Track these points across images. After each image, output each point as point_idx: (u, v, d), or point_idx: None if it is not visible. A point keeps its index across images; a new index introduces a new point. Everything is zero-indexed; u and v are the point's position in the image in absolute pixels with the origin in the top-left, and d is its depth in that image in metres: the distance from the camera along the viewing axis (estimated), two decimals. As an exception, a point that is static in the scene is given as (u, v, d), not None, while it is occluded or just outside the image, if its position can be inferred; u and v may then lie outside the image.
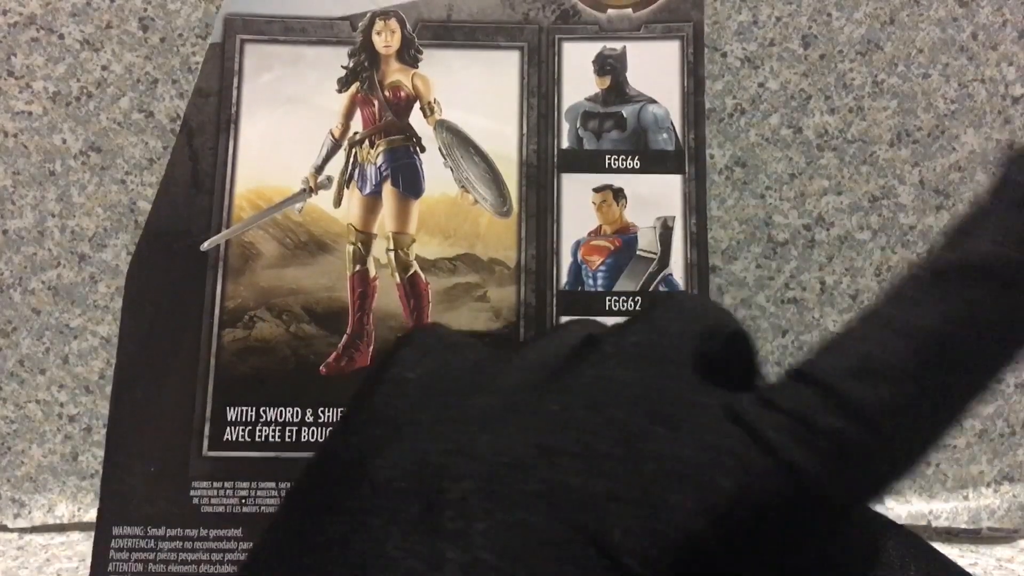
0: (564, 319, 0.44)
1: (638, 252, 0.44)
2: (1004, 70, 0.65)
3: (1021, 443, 0.66)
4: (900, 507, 0.65)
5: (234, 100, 0.44)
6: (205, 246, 0.44)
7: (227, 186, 0.44)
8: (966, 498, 0.66)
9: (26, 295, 0.64)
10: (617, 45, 0.44)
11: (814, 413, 0.22)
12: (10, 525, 0.65)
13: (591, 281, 0.44)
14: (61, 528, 0.65)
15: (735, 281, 0.65)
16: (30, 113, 0.64)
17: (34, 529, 0.65)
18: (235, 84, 0.44)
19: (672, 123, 0.44)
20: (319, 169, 0.45)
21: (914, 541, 0.34)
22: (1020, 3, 0.65)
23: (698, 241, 0.44)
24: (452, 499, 0.22)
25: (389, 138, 0.45)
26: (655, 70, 0.44)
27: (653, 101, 0.44)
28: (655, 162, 0.44)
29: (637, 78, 0.44)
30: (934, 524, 0.65)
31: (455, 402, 0.25)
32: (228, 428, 0.44)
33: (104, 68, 0.64)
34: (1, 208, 0.64)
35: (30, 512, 0.65)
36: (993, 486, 0.66)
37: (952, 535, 0.66)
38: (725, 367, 0.25)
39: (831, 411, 0.22)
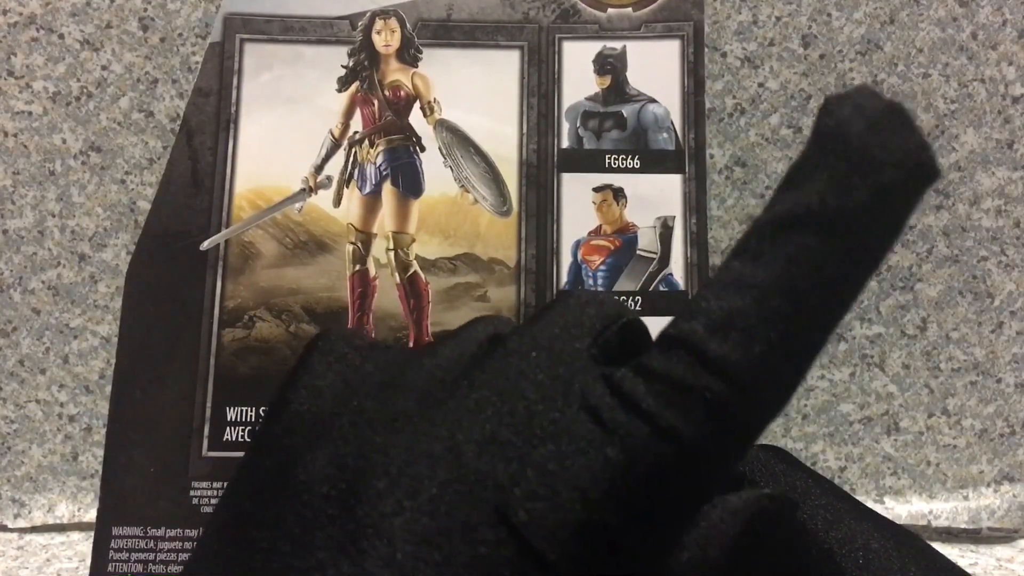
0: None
1: (638, 252, 0.44)
2: (1004, 70, 0.65)
3: (1021, 443, 0.66)
4: (900, 507, 0.65)
5: (234, 99, 0.44)
6: (205, 246, 0.44)
7: (227, 185, 0.44)
8: (966, 498, 0.66)
9: (26, 295, 0.64)
10: (617, 44, 0.44)
11: (683, 375, 0.22)
12: (10, 525, 0.64)
13: (591, 281, 0.44)
14: (61, 528, 0.64)
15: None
16: (30, 113, 0.64)
17: (34, 529, 0.65)
18: (235, 83, 0.44)
19: (672, 123, 0.44)
20: (319, 169, 0.44)
21: (914, 541, 0.35)
22: (1020, 3, 0.65)
23: (698, 241, 0.44)
24: (370, 497, 0.23)
25: (389, 138, 0.44)
26: (655, 69, 0.44)
27: (653, 100, 0.44)
28: (655, 162, 0.44)
29: (637, 77, 0.44)
30: (934, 524, 0.65)
31: (369, 405, 0.26)
32: (228, 428, 0.44)
33: (104, 68, 0.64)
34: (1, 208, 0.64)
35: (30, 512, 0.65)
36: (993, 486, 0.66)
37: (952, 535, 0.66)
38: (622, 353, 0.25)
39: (698, 371, 0.22)
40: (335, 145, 0.45)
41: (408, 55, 0.44)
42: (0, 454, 0.65)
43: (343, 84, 0.45)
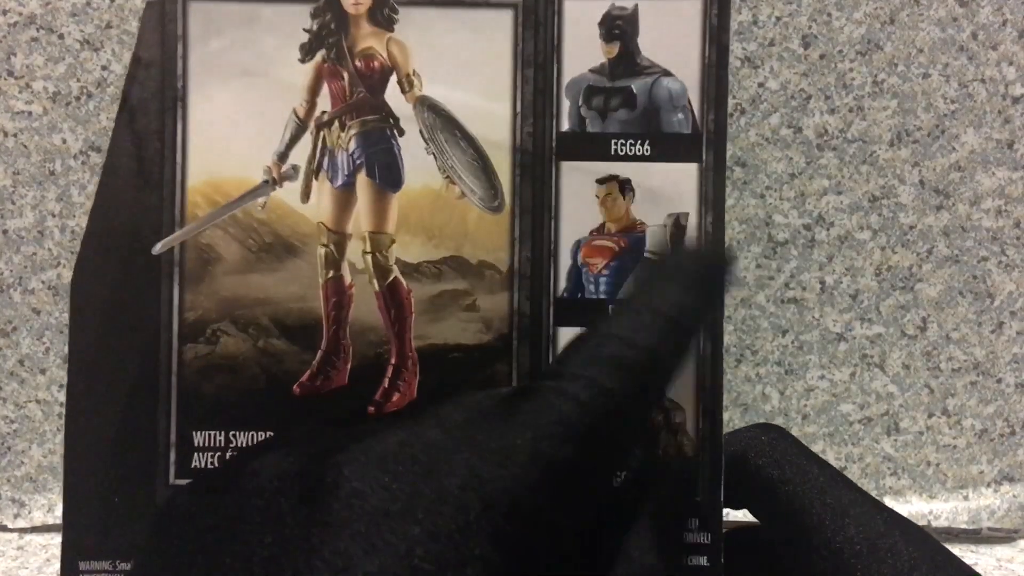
0: (562, 331, 0.29)
1: (646, 254, 0.30)
2: (1004, 70, 0.51)
3: (1021, 443, 0.52)
4: (900, 507, 0.51)
5: (180, 72, 0.29)
6: (157, 249, 0.30)
7: (178, 177, 0.29)
8: (966, 498, 0.52)
9: (26, 295, 0.50)
10: (628, 3, 0.29)
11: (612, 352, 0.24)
12: (10, 525, 0.51)
13: (593, 287, 0.30)
14: (61, 528, 0.51)
15: (735, 281, 0.51)
16: (30, 113, 0.50)
17: (34, 529, 0.51)
18: (180, 52, 0.29)
19: (689, 101, 0.29)
20: (283, 156, 0.29)
21: (924, 538, 0.29)
22: (1020, 3, 0.51)
23: (715, 242, 0.30)
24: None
25: (362, 119, 0.29)
26: (671, 34, 0.28)
27: (668, 74, 0.29)
28: (668, 148, 0.29)
29: (650, 45, 0.28)
30: (934, 524, 0.51)
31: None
32: (196, 454, 0.30)
33: (104, 68, 0.50)
34: (1, 208, 0.50)
35: (30, 512, 0.51)
36: (993, 486, 0.52)
37: (952, 535, 0.51)
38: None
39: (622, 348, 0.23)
40: (300, 127, 0.29)
41: (382, 16, 0.29)
42: (0, 454, 0.51)
43: (307, 53, 0.29)
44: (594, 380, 0.23)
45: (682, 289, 0.25)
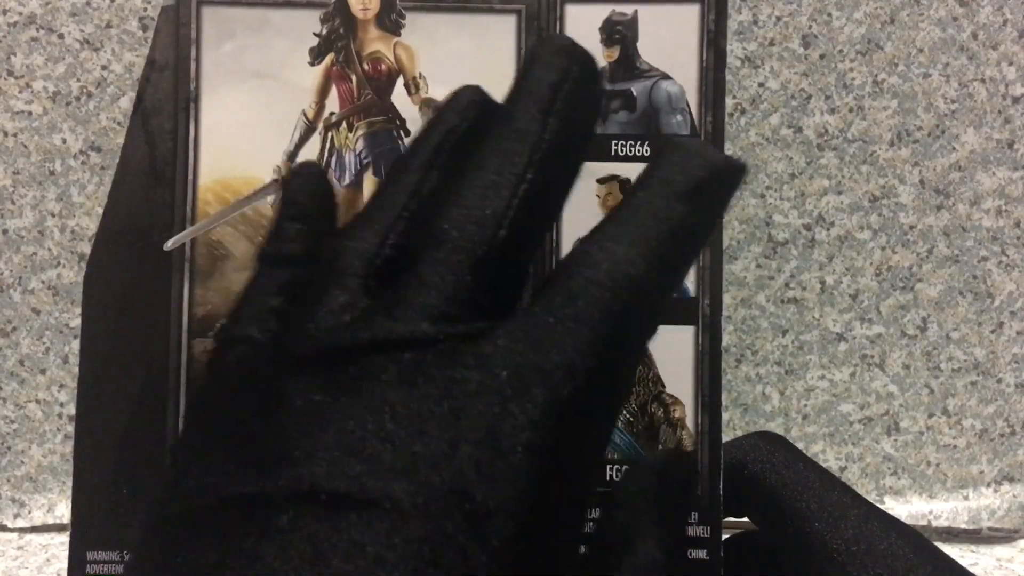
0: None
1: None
2: (1004, 70, 0.53)
3: (1021, 443, 0.54)
4: (900, 507, 0.53)
5: (193, 74, 0.31)
6: (168, 245, 0.32)
7: (190, 176, 0.32)
8: (966, 498, 0.54)
9: (26, 295, 0.52)
10: (628, 9, 0.31)
11: None
12: (10, 525, 0.53)
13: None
14: (61, 528, 0.53)
15: (735, 281, 0.53)
16: (30, 113, 0.52)
17: (34, 529, 0.53)
18: (193, 55, 0.31)
19: (687, 103, 0.31)
20: (292, 156, 0.32)
21: (921, 542, 0.30)
22: (1020, 3, 0.53)
23: (712, 241, 0.32)
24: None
25: (369, 120, 0.31)
26: (670, 40, 0.31)
27: (667, 77, 0.31)
28: None
29: (649, 49, 0.31)
30: (934, 524, 0.53)
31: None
32: (202, 443, 0.32)
33: (104, 68, 0.52)
34: (1, 208, 0.52)
35: (30, 512, 0.53)
36: (993, 486, 0.54)
37: (952, 535, 0.53)
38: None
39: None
40: (309, 128, 0.31)
41: (389, 20, 0.31)
42: (0, 454, 0.53)
43: (316, 56, 0.31)
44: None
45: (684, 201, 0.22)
